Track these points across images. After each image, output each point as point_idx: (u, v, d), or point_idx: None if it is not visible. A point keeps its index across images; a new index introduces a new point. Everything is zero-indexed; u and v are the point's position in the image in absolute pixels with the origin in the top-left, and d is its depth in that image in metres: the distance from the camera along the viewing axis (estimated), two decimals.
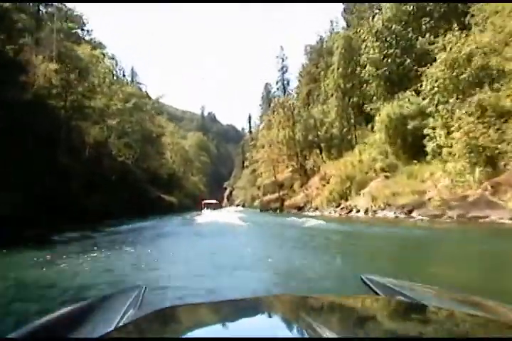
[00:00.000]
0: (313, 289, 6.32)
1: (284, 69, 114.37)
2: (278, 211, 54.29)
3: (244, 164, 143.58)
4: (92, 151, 38.06)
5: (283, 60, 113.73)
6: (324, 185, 43.22)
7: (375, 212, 29.69)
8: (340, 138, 49.18)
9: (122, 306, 1.65)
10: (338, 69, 47.27)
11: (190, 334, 1.22)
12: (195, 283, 6.90)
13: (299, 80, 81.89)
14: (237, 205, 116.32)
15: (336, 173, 40.24)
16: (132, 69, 75.56)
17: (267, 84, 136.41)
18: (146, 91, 78.77)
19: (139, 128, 50.87)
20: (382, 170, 33.53)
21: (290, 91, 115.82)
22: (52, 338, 1.39)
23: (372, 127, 38.01)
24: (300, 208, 45.80)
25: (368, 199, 31.30)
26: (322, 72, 57.45)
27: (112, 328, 1.35)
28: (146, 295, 2.00)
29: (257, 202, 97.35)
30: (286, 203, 53.32)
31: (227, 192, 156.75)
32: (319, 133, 50.98)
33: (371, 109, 39.02)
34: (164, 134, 70.44)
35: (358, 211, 32.94)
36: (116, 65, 56.38)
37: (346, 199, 36.72)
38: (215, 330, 1.25)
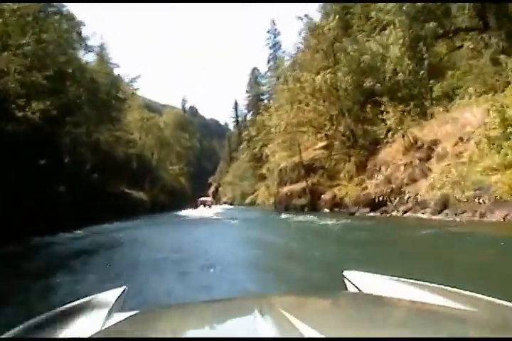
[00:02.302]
0: None
1: (277, 46, 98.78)
2: (306, 210, 31.80)
3: (232, 156, 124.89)
4: None
5: (275, 36, 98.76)
6: (428, 159, 20.74)
7: None
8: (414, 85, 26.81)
9: (105, 308, 1.63)
10: None
11: (173, 335, 1.24)
12: None
13: None
14: (225, 203, 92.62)
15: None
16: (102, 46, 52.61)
17: (254, 68, 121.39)
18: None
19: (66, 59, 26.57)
20: None
21: None
22: None
23: None
24: (376, 206, 22.83)
25: None
26: None
27: (97, 331, 1.35)
28: (127, 296, 1.99)
29: (249, 199, 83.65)
30: (326, 197, 30.69)
31: (212, 188, 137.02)
32: (384, 76, 27.84)
33: None
34: (127, 99, 47.07)
35: None
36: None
37: None
38: (197, 331, 1.26)
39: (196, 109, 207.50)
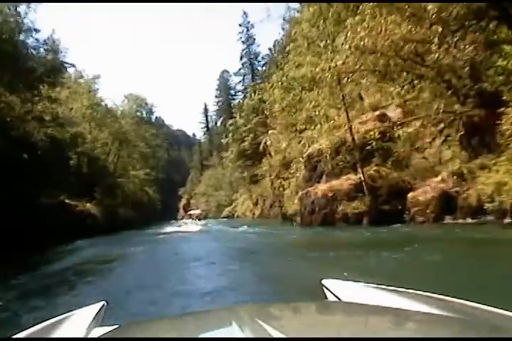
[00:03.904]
0: None
1: (250, 40, 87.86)
2: (366, 222, 17.28)
3: (203, 164, 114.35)
4: None
5: (248, 29, 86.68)
6: None
7: None
8: None
9: (84, 324, 1.58)
10: None
11: None
12: None
13: None
14: (197, 218, 72.73)
15: None
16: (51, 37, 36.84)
17: (223, 71, 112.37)
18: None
19: None
20: None
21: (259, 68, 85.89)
22: None
23: None
24: None
25: None
26: None
27: None
28: (107, 311, 1.89)
29: (226, 212, 73.71)
30: (421, 196, 15.75)
31: (183, 201, 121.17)
32: None
33: None
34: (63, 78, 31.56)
35: None
36: None
37: None
38: None
39: (163, 120, 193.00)
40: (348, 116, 19.98)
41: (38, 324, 1.62)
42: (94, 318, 1.65)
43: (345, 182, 20.13)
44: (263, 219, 43.99)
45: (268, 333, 1.00)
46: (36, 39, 28.61)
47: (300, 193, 23.28)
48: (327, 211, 20.32)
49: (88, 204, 34.22)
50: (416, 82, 16.30)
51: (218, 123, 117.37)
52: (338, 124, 19.97)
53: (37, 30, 28.44)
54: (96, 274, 10.29)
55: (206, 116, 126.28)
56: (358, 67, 14.77)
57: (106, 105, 44.75)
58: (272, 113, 35.98)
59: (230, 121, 53.49)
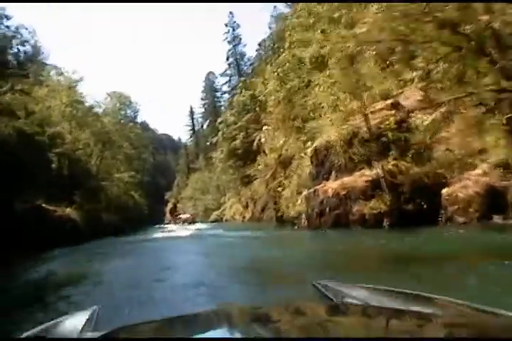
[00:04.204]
0: None
1: (237, 40, 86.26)
2: (387, 224, 14.57)
3: (190, 167, 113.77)
4: None
5: (234, 29, 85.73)
6: None
7: None
8: None
9: (77, 328, 1.58)
10: None
11: None
12: None
13: None
14: (185, 222, 69.68)
15: None
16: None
17: (209, 73, 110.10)
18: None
19: None
20: None
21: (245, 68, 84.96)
22: None
23: None
24: None
25: None
26: None
27: None
28: (100, 316, 1.89)
29: (214, 216, 70.61)
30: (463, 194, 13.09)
31: (169, 205, 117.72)
32: None
33: None
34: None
35: None
36: None
37: None
38: None
39: (147, 124, 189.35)
40: (363, 101, 17.28)
41: (33, 328, 1.59)
42: (86, 322, 1.63)
43: (360, 178, 17.49)
44: (255, 223, 41.27)
45: (262, 334, 1.01)
46: (7, 26, 25.74)
47: (305, 192, 20.56)
48: (339, 212, 17.64)
49: (68, 209, 31.20)
50: (443, 58, 13.71)
51: (204, 126, 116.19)
52: (351, 112, 17.31)
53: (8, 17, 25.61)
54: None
55: (192, 119, 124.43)
56: (384, 36, 12.14)
57: (87, 103, 41.46)
58: (265, 108, 33.53)
59: (220, 119, 50.81)
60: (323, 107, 18.31)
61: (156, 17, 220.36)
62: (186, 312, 1.78)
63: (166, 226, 63.90)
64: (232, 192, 62.57)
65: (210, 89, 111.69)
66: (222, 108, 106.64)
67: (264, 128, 30.00)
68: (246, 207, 53.55)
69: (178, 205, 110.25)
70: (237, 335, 1.08)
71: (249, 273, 9.19)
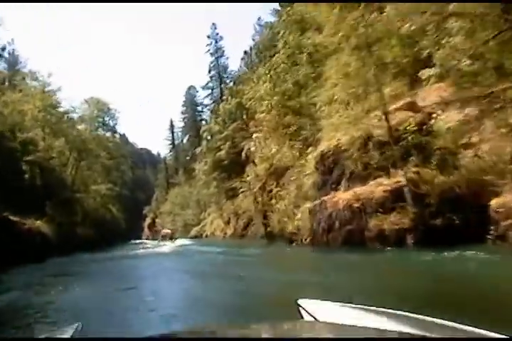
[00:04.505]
0: None
1: (219, 52, 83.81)
2: (412, 242, 11.90)
3: (169, 182, 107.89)
4: None
5: (216, 41, 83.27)
6: None
7: None
8: None
9: None
10: None
11: None
12: None
13: None
14: (164, 237, 66.11)
15: None
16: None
17: (190, 87, 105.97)
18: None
19: None
20: None
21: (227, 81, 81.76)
22: None
23: None
24: None
25: None
26: None
27: None
28: (82, 333, 1.86)
29: (194, 231, 66.76)
30: None
31: (148, 220, 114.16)
32: None
33: None
34: None
35: None
36: None
37: None
38: None
39: (127, 137, 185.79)
40: (382, 96, 14.81)
41: None
42: (69, 339, 1.62)
43: (377, 188, 14.94)
44: (238, 240, 38.59)
45: None
46: None
47: (309, 204, 17.89)
48: (352, 227, 15.02)
49: (38, 222, 28.16)
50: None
51: (184, 140, 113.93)
52: (367, 109, 14.86)
53: None
54: None
55: (172, 133, 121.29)
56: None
57: (62, 109, 38.12)
58: (254, 116, 31.15)
59: (204, 128, 47.80)
60: (325, 105, 15.82)
61: (137, 27, 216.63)
62: (174, 330, 2.01)
63: (144, 241, 62.14)
64: (213, 207, 59.63)
65: (191, 103, 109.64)
66: (203, 122, 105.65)
67: (254, 136, 27.46)
68: (228, 222, 50.90)
69: (157, 220, 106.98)
70: None
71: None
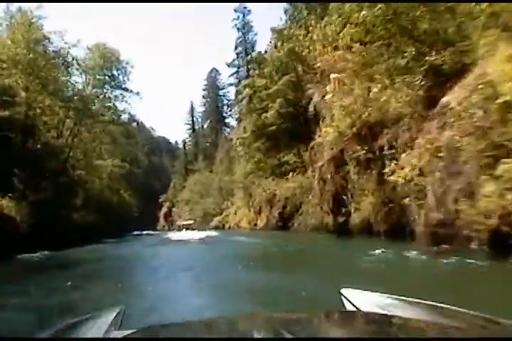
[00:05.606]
0: None
1: (247, 27, 76.74)
2: None
3: (188, 168, 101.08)
4: None
5: (244, 15, 76.30)
6: None
7: None
8: None
9: (103, 327, 1.55)
10: None
11: None
12: None
13: None
14: (183, 228, 56.53)
15: None
16: None
17: (212, 69, 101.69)
18: None
19: None
20: None
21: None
22: None
23: None
24: None
25: None
26: None
27: None
28: (125, 315, 1.84)
29: (215, 222, 63.40)
30: None
31: (164, 209, 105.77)
32: None
33: None
34: None
35: None
36: None
37: None
38: None
39: (144, 124, 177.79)
40: None
41: (58, 325, 1.57)
42: (112, 321, 1.62)
43: None
44: (280, 232, 30.08)
45: (283, 336, 1.01)
46: None
47: None
48: None
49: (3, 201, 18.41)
50: None
51: (205, 126, 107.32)
52: None
53: None
54: None
55: (192, 117, 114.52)
56: None
57: (51, 48, 27.22)
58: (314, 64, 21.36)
59: (245, 82, 37.15)
60: None
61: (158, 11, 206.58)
62: (214, 317, 1.91)
63: (161, 232, 57.90)
64: (240, 194, 52.11)
65: (213, 87, 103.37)
66: (225, 107, 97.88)
67: (333, 76, 17.39)
68: (259, 212, 43.08)
69: (174, 209, 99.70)
70: (261, 337, 1.08)
71: None
